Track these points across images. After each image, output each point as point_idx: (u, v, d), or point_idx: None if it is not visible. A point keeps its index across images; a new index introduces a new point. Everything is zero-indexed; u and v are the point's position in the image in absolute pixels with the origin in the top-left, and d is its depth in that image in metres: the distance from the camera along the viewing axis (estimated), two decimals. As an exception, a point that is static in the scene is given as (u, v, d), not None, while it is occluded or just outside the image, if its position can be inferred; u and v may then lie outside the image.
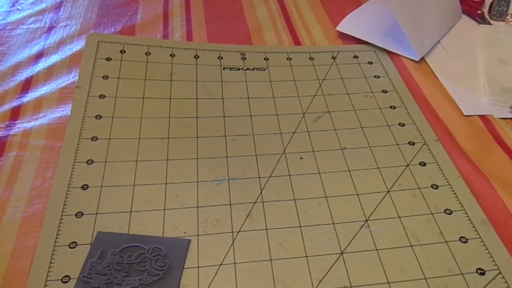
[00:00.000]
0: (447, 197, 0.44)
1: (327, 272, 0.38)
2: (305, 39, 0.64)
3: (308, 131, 0.50)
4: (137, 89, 0.52)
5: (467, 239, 0.41)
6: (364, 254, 0.39)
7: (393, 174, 0.46)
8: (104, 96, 0.51)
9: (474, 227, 0.42)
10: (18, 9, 0.64)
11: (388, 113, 0.53)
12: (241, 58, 0.59)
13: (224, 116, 0.51)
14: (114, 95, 0.51)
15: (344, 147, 0.49)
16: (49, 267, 0.36)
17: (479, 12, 0.70)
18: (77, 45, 0.58)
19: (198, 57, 0.58)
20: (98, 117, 0.48)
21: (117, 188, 0.42)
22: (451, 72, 0.60)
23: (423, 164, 0.47)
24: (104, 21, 0.63)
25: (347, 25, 0.65)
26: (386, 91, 0.56)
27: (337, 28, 0.65)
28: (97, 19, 0.64)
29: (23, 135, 0.47)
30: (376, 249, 0.40)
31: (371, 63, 0.60)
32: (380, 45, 0.63)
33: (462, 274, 0.38)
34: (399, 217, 0.42)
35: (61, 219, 0.39)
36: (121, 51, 0.57)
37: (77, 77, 0.52)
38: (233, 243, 0.39)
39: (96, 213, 0.40)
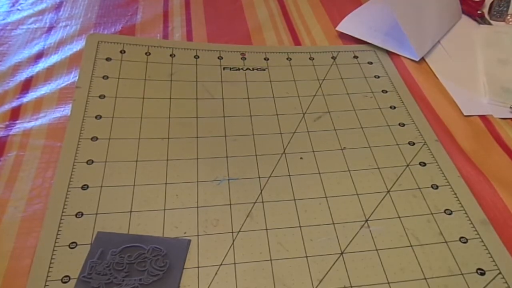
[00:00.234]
0: (447, 197, 0.44)
1: (327, 272, 0.38)
2: (305, 39, 0.64)
3: (308, 131, 0.50)
4: (137, 89, 0.52)
5: (467, 239, 0.41)
6: (364, 254, 0.39)
7: (393, 174, 0.46)
8: (104, 96, 0.51)
9: (474, 227, 0.42)
10: (18, 9, 0.64)
11: (388, 113, 0.53)
12: (241, 58, 0.59)
13: (224, 116, 0.51)
14: (114, 95, 0.51)
15: (344, 147, 0.49)
16: (49, 267, 0.36)
17: (479, 12, 0.70)
18: (77, 45, 0.58)
19: (198, 57, 0.58)
20: (98, 117, 0.48)
21: (117, 188, 0.42)
22: (451, 72, 0.60)
23: (423, 164, 0.47)
24: (104, 21, 0.63)
25: (347, 25, 0.65)
26: (386, 91, 0.56)
27: (337, 28, 0.65)
28: (97, 19, 0.64)
29: (23, 135, 0.47)
30: (376, 249, 0.40)
31: (371, 63, 0.60)
32: (380, 45, 0.63)
33: (462, 274, 0.38)
34: (399, 217, 0.42)
35: (61, 219, 0.39)
36: (121, 51, 0.57)
37: (77, 77, 0.52)
38: (233, 243, 0.39)
39: (96, 213, 0.40)
